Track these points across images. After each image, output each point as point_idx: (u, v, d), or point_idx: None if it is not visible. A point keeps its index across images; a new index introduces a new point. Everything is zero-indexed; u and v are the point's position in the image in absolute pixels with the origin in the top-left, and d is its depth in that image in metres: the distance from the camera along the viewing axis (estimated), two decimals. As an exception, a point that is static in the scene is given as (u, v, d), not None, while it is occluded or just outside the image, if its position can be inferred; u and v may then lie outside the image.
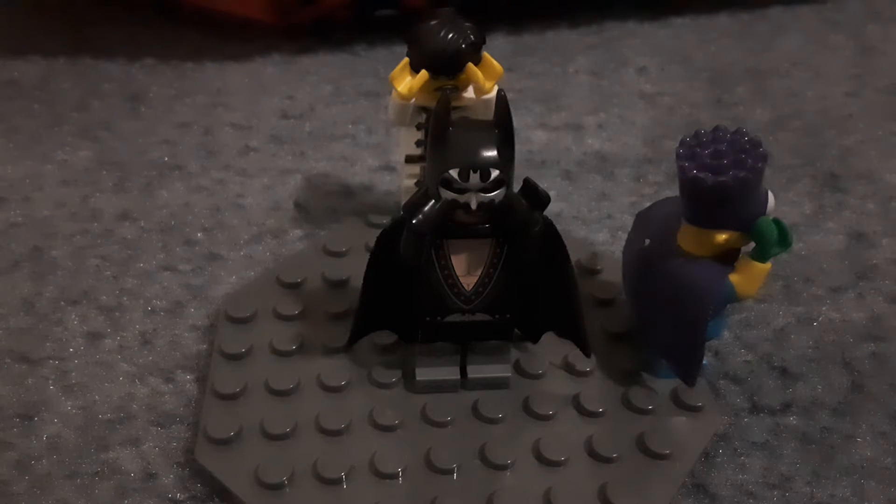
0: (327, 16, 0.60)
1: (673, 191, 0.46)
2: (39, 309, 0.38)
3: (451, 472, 0.30)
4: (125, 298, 0.38)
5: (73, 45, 0.59)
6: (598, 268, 0.39)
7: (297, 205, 0.44)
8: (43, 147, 0.49)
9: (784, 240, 0.30)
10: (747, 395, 0.35)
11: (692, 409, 0.33)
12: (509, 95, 0.29)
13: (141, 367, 0.35)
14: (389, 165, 0.48)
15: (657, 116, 0.53)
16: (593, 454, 0.31)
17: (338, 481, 0.30)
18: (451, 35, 0.35)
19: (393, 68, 0.36)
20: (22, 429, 0.33)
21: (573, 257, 0.31)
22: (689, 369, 0.32)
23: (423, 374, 0.33)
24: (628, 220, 0.43)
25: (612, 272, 0.38)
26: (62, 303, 0.38)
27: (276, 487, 0.29)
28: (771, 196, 0.30)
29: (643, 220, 0.35)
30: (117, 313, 0.38)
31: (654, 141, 0.50)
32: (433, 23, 0.35)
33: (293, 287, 0.37)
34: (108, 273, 0.40)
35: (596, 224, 0.44)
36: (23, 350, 0.36)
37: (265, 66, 0.58)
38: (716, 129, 0.30)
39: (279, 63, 0.58)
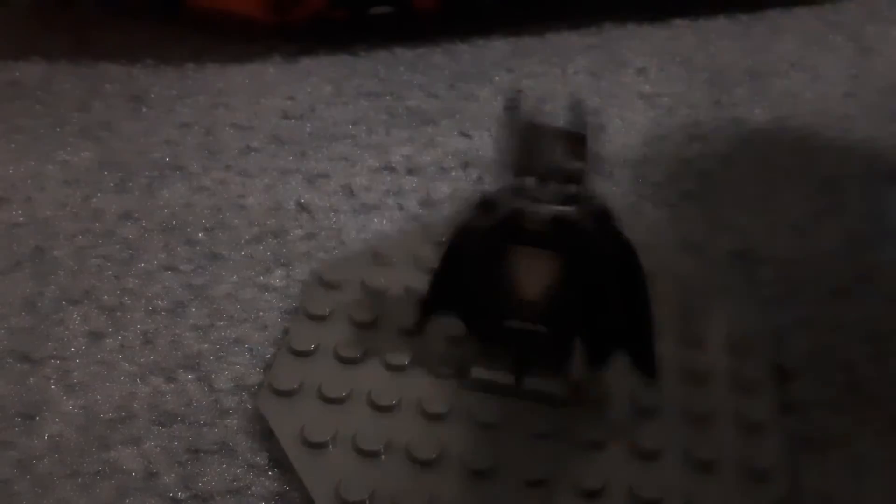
0: (323, 13, 0.60)
1: (673, 191, 0.46)
2: (41, 308, 0.38)
3: (483, 473, 0.30)
4: (126, 298, 0.38)
5: (75, 45, 0.59)
6: (693, 303, 0.37)
7: (299, 204, 0.45)
8: (44, 147, 0.49)
9: None
10: (747, 395, 0.35)
11: (757, 473, 0.30)
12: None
13: (142, 366, 0.35)
14: (390, 165, 0.48)
15: (656, 117, 0.53)
16: (634, 496, 0.30)
17: (373, 454, 0.30)
18: None
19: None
20: (23, 428, 0.33)
21: None
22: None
23: (478, 372, 0.33)
24: (628, 221, 0.44)
25: None
26: (64, 302, 0.38)
27: (317, 446, 0.31)
28: None
29: None
30: (119, 313, 0.38)
31: (653, 141, 0.50)
32: None
33: (386, 265, 0.39)
34: (110, 273, 0.40)
35: (596, 224, 0.44)
36: (24, 349, 0.36)
37: (266, 67, 0.58)
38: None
39: (280, 64, 0.58)
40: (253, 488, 0.31)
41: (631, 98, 0.55)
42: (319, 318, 0.36)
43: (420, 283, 0.36)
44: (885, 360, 0.36)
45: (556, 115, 0.52)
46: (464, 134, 0.51)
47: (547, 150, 0.28)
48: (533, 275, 0.30)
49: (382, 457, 0.31)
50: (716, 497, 0.30)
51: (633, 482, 0.30)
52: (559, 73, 0.58)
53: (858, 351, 0.37)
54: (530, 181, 0.28)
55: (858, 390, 0.35)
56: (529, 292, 0.31)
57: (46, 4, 0.62)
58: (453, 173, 0.47)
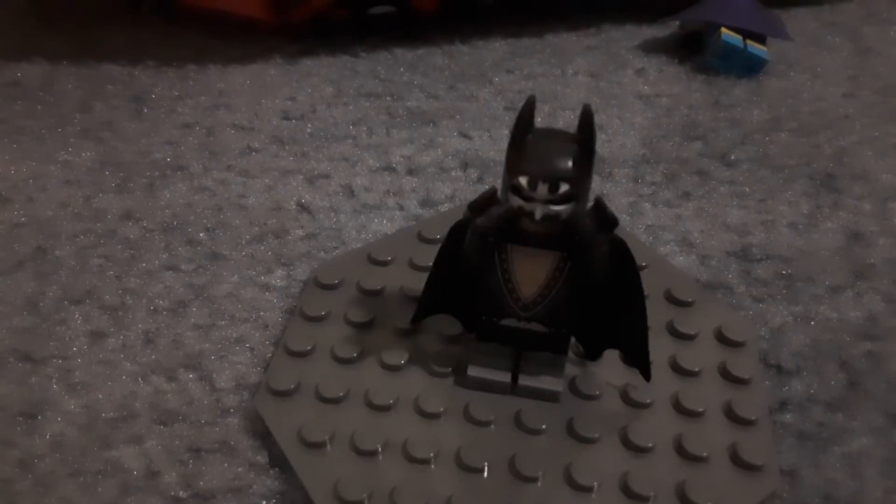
0: (323, 13, 0.60)
1: (671, 191, 0.46)
2: (43, 308, 0.38)
3: (479, 470, 0.30)
4: (128, 298, 0.39)
5: (77, 46, 0.59)
6: (690, 300, 0.38)
7: (299, 205, 0.45)
8: (46, 148, 0.49)
9: None
10: (744, 394, 0.35)
11: (749, 468, 0.31)
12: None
13: (144, 365, 0.35)
14: (390, 166, 0.48)
15: (655, 117, 0.53)
16: (626, 490, 0.30)
17: (370, 453, 0.31)
18: None
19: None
20: (25, 427, 0.33)
21: None
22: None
23: (475, 370, 0.33)
24: (626, 221, 0.44)
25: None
26: (65, 302, 0.38)
27: (315, 446, 0.31)
28: None
29: None
30: (120, 312, 0.38)
31: (652, 142, 0.51)
32: None
33: (381, 265, 0.39)
34: (111, 273, 0.40)
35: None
36: (26, 349, 0.36)
37: (267, 68, 0.58)
38: None
39: (281, 65, 0.58)
40: (254, 487, 0.31)
41: (630, 98, 0.55)
42: (316, 319, 0.36)
43: (416, 282, 0.36)
44: (882, 357, 0.37)
45: (556, 116, 0.53)
46: (463, 134, 0.51)
47: (544, 151, 0.28)
48: (528, 274, 0.30)
49: (380, 456, 0.31)
50: (708, 491, 0.30)
51: (626, 477, 0.30)
52: (559, 73, 0.58)
53: (857, 348, 0.37)
54: (527, 181, 0.28)
55: (857, 387, 0.35)
56: (525, 291, 0.31)
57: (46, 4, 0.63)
58: (453, 173, 0.47)
